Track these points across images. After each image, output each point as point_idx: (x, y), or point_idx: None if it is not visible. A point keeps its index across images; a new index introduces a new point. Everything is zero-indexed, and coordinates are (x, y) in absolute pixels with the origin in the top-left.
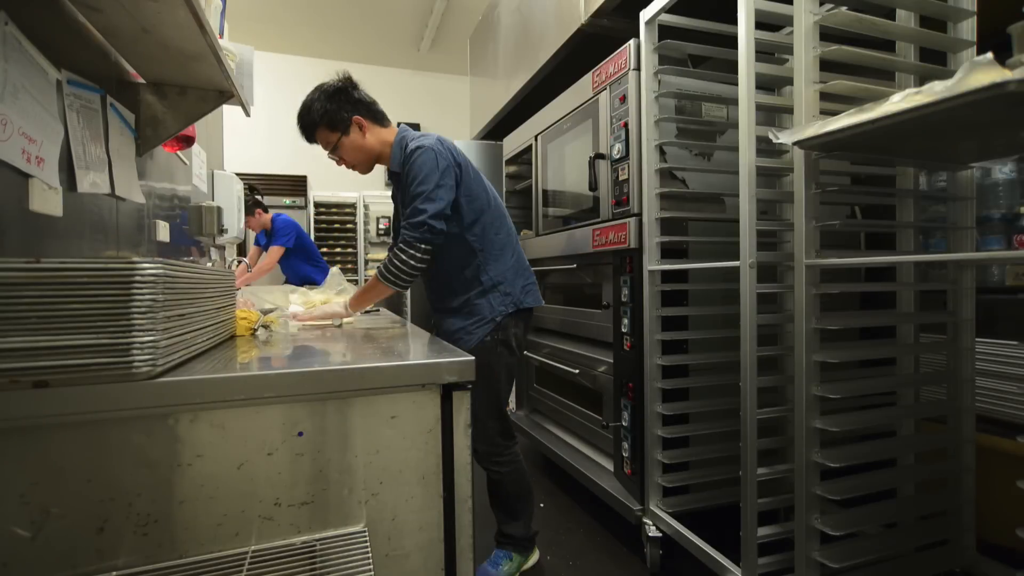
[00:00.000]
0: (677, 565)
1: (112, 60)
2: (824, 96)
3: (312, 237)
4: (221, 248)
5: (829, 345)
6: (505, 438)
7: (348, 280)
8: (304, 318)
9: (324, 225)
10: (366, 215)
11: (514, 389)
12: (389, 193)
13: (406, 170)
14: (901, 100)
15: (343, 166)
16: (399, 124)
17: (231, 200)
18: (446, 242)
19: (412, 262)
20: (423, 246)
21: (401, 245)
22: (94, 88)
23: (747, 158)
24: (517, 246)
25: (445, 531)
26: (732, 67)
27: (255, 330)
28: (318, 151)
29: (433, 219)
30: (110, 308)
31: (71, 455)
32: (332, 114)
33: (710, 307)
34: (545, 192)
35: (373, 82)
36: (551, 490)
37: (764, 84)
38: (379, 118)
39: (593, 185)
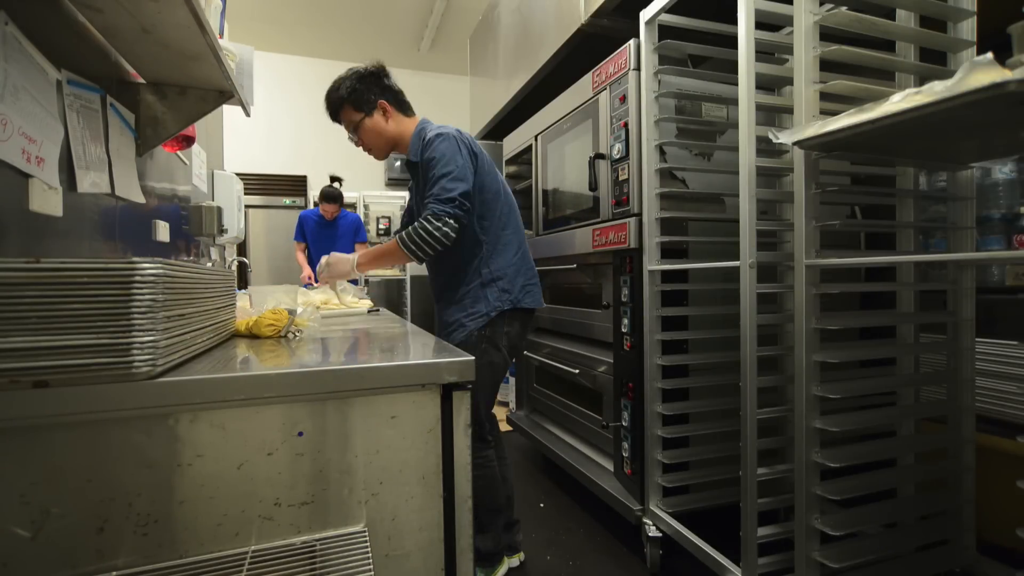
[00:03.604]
0: (677, 565)
1: (112, 60)
2: (824, 96)
3: None
4: (221, 248)
5: (829, 345)
6: (475, 440)
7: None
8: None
9: None
10: (366, 215)
11: (514, 389)
12: (389, 193)
13: (425, 157)
14: (901, 100)
15: (360, 147)
16: (422, 117)
17: (231, 200)
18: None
19: (439, 234)
20: (452, 221)
21: (429, 216)
22: (94, 88)
23: (747, 158)
24: (523, 243)
25: (445, 531)
26: (732, 67)
27: (284, 334)
28: (317, 151)
29: (464, 196)
30: (110, 308)
31: (71, 455)
32: (360, 94)
33: (710, 307)
34: (545, 192)
35: None
36: (551, 490)
37: (764, 84)
38: (404, 108)
39: (593, 185)
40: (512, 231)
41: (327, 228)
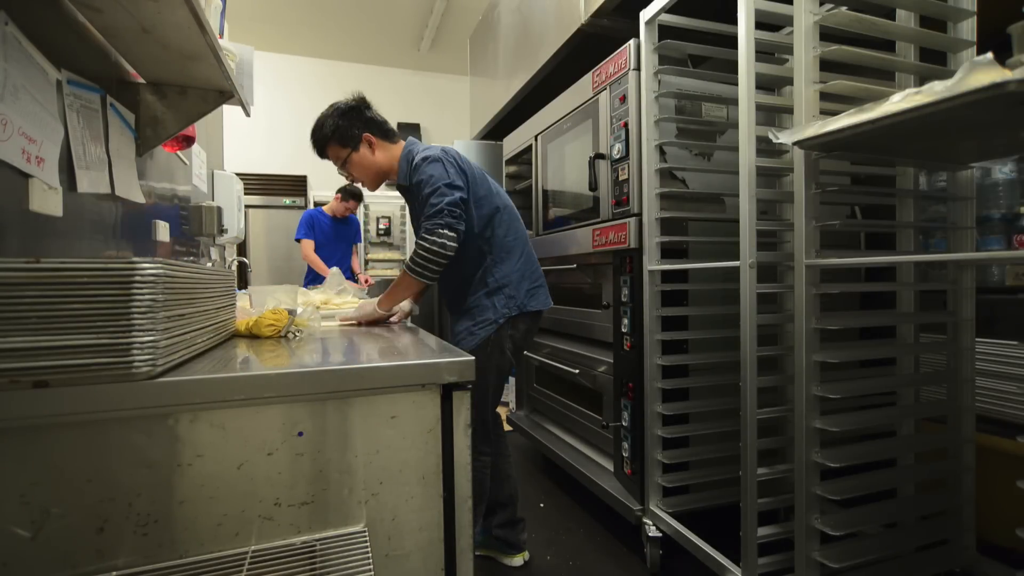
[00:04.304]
0: (677, 565)
1: (112, 60)
2: (824, 96)
3: None
4: (221, 248)
5: (829, 345)
6: (479, 442)
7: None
8: (340, 319)
9: None
10: (366, 215)
11: (514, 389)
12: (389, 194)
13: (415, 181)
14: (901, 100)
15: (351, 181)
16: (408, 138)
17: (231, 200)
18: (460, 244)
19: (436, 248)
20: (446, 231)
21: (423, 234)
22: (94, 88)
23: (747, 158)
24: (526, 248)
25: (445, 531)
26: (732, 67)
27: (284, 334)
28: None
29: (450, 206)
30: (110, 308)
31: (71, 455)
32: (343, 130)
33: (710, 307)
34: (545, 192)
35: (373, 82)
36: (551, 490)
37: (764, 84)
38: (389, 135)
39: (593, 185)
40: (513, 237)
41: (340, 228)
